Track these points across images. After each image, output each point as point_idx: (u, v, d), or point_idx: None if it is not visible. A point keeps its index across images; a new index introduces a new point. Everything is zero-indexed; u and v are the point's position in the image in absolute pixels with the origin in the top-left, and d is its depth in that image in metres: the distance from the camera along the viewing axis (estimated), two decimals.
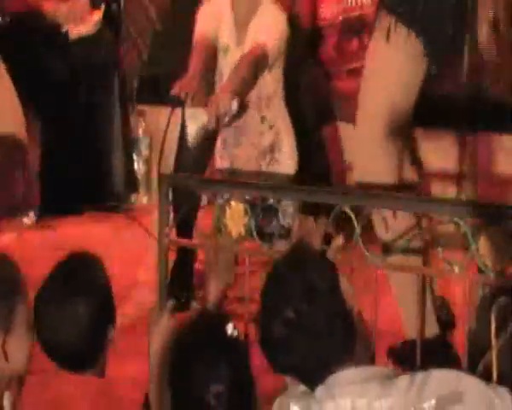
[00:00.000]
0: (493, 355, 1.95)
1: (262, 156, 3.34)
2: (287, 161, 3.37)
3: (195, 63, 3.32)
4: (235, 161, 3.37)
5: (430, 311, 2.82)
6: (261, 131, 3.33)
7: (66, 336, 2.04)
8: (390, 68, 2.87)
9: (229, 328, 1.83)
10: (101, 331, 2.10)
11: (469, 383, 1.67)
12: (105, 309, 2.13)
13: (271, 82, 3.34)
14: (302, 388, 1.78)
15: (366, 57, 2.99)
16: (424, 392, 1.66)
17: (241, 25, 3.34)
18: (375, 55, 2.94)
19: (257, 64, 3.23)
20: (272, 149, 3.35)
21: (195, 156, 3.60)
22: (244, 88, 3.21)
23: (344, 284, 1.79)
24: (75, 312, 2.05)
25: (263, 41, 3.26)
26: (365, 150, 2.90)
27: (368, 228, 3.03)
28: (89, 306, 2.07)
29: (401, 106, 2.90)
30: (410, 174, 3.03)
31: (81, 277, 2.14)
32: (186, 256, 3.78)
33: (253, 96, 3.31)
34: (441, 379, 1.68)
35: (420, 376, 1.68)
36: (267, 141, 3.34)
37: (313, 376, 1.73)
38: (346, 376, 1.71)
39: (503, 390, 1.68)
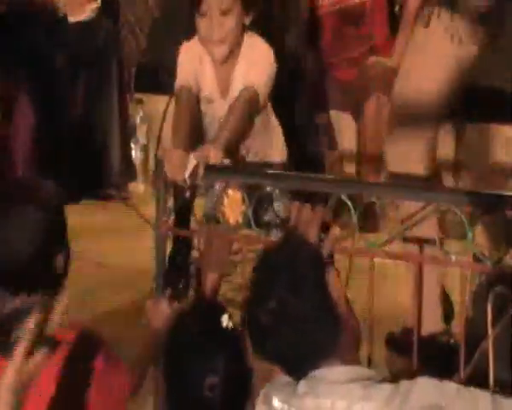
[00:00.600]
0: (490, 344, 1.96)
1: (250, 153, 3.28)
2: (275, 151, 3.31)
3: (181, 133, 2.99)
4: None
5: (437, 304, 2.83)
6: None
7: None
8: (434, 55, 2.86)
9: (225, 319, 1.81)
10: (47, 255, 1.91)
11: (452, 395, 1.65)
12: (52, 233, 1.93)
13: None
14: (287, 378, 1.78)
15: (409, 47, 2.97)
16: (408, 402, 1.64)
17: (224, 74, 3.14)
18: (416, 44, 2.93)
19: (249, 111, 3.05)
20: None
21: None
22: (236, 139, 3.03)
23: (331, 275, 1.79)
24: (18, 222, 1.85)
25: (252, 83, 3.03)
26: (400, 142, 2.90)
27: (369, 216, 3.04)
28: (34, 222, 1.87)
29: (442, 94, 2.89)
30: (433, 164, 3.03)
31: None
32: (182, 244, 3.78)
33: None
34: (424, 390, 1.66)
35: (404, 384, 1.67)
36: (257, 143, 3.27)
37: (296, 367, 1.73)
38: (329, 374, 1.70)
39: (487, 398, 1.66)
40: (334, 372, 1.70)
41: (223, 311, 1.83)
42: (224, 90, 3.16)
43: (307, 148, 3.65)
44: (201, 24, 3.12)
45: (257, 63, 3.09)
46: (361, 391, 1.67)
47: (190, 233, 3.34)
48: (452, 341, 2.71)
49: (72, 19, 4.92)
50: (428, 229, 2.75)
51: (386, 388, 1.67)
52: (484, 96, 4.47)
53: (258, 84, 3.05)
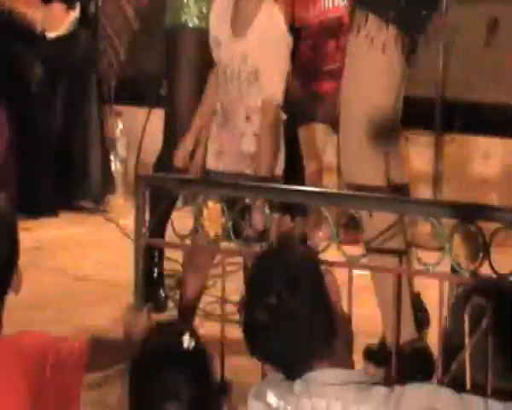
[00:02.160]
0: (467, 355, 1.97)
1: (244, 162, 3.29)
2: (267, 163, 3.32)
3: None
4: (223, 143, 3.32)
5: (408, 311, 2.83)
6: (243, 132, 3.29)
7: None
8: (366, 64, 2.88)
9: (185, 340, 1.78)
10: None
11: (445, 401, 1.66)
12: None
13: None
14: (281, 376, 1.77)
15: (346, 59, 2.99)
16: (402, 404, 1.65)
17: (239, 27, 3.25)
18: (352, 55, 2.95)
19: (276, 125, 3.24)
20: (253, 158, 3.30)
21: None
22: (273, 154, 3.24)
23: (329, 277, 1.79)
24: None
25: (272, 96, 3.19)
26: (352, 153, 2.91)
27: (350, 227, 3.04)
28: None
29: (383, 103, 2.90)
30: (398, 176, 3.04)
31: None
32: (154, 258, 3.78)
33: (240, 106, 3.26)
34: (418, 394, 1.67)
35: (398, 389, 1.68)
36: (246, 147, 3.29)
37: (291, 366, 1.73)
38: (323, 376, 1.71)
39: (479, 403, 1.67)
40: (327, 374, 1.71)
41: (183, 332, 1.78)
42: (236, 34, 3.23)
43: (290, 160, 3.65)
44: None
45: (270, 55, 3.19)
46: (355, 394, 1.68)
47: (171, 246, 3.34)
48: (426, 349, 2.71)
49: (50, 35, 4.92)
50: (405, 241, 2.77)
51: (380, 390, 1.68)
52: (463, 109, 4.50)
53: (278, 94, 3.20)
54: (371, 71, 2.88)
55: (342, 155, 2.99)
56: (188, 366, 1.76)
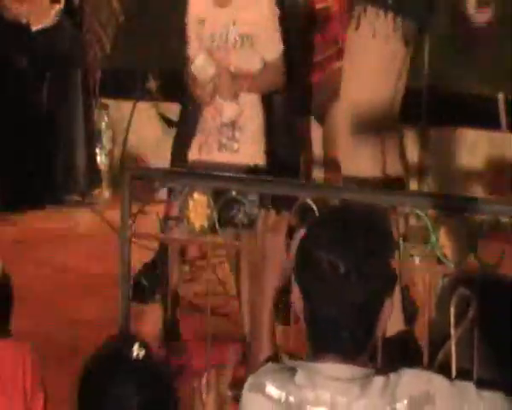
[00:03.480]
0: (452, 345, 1.97)
1: (223, 129, 3.29)
2: (247, 147, 3.31)
3: None
4: (206, 127, 3.32)
5: (397, 304, 2.84)
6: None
7: None
8: (366, 56, 2.87)
9: (135, 350, 1.72)
10: None
11: (440, 384, 1.68)
12: None
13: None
14: (277, 367, 1.75)
15: (346, 52, 2.99)
16: (397, 392, 1.66)
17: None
18: (353, 48, 2.94)
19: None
20: (233, 124, 3.30)
21: None
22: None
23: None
24: None
25: (272, 60, 3.26)
26: (349, 145, 2.91)
27: None
28: None
29: (385, 94, 2.89)
30: (395, 168, 3.04)
31: None
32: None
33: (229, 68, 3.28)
34: (413, 380, 1.68)
35: (393, 376, 1.68)
36: (229, 113, 3.29)
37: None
38: (332, 370, 1.68)
39: (472, 389, 1.68)
40: (335, 369, 1.68)
41: (133, 340, 1.74)
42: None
43: (282, 152, 3.64)
44: None
45: (263, 17, 3.22)
46: (359, 390, 1.67)
47: (158, 238, 3.33)
48: (413, 341, 2.72)
49: (35, 27, 4.89)
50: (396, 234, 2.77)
51: (379, 382, 1.68)
52: (448, 101, 4.50)
53: (278, 55, 3.25)
54: (375, 62, 2.87)
55: (341, 146, 2.98)
56: (137, 376, 1.71)
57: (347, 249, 1.67)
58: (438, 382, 1.69)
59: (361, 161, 2.88)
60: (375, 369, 1.71)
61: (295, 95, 4.08)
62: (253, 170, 3.26)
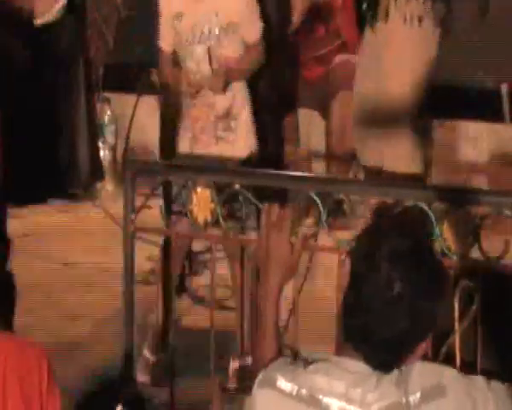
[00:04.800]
0: (456, 338, 1.97)
1: (219, 120, 3.31)
2: (243, 135, 3.33)
3: None
4: (195, 125, 3.33)
5: None
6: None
7: None
8: (404, 40, 2.84)
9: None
10: None
11: (451, 377, 1.68)
12: None
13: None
14: (287, 360, 1.74)
15: (364, 45, 2.95)
16: (409, 385, 1.66)
17: None
18: (386, 33, 2.91)
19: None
20: (228, 113, 3.32)
21: None
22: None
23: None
24: None
25: (255, 41, 3.29)
26: (370, 139, 2.89)
27: (340, 213, 3.03)
28: None
29: (419, 81, 2.86)
30: (418, 163, 3.02)
31: None
32: None
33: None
34: (424, 372, 1.68)
35: (405, 368, 1.67)
36: (223, 103, 3.31)
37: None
38: (350, 365, 1.67)
39: (481, 381, 1.68)
40: (353, 365, 1.67)
41: (117, 401, 1.71)
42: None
43: (270, 144, 3.63)
44: None
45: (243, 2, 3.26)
46: (375, 382, 1.66)
47: (158, 231, 3.32)
48: None
49: (38, 21, 4.89)
50: None
51: (393, 375, 1.67)
52: (451, 94, 4.49)
53: (258, 36, 3.28)
54: (410, 46, 2.84)
55: (360, 138, 2.95)
56: None
57: (410, 273, 1.64)
58: (449, 374, 1.69)
59: (390, 153, 2.85)
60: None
61: (288, 89, 4.08)
62: (249, 160, 3.28)
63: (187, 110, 3.37)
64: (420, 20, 2.81)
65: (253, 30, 3.30)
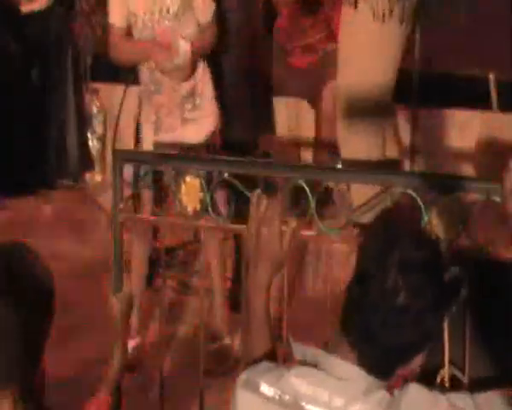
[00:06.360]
0: (445, 325, 1.98)
1: (185, 101, 3.34)
2: (209, 112, 3.37)
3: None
4: (160, 110, 3.37)
5: None
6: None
7: None
8: (366, 36, 2.86)
9: None
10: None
11: (445, 405, 1.63)
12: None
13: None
14: (270, 364, 1.72)
15: (341, 32, 2.98)
16: (400, 408, 1.62)
17: None
18: (349, 27, 2.94)
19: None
20: (193, 92, 3.35)
21: None
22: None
23: None
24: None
25: (208, 22, 3.33)
26: (347, 127, 2.91)
27: (328, 202, 3.04)
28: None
29: (382, 76, 2.89)
30: (392, 150, 3.04)
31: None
32: None
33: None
34: (417, 399, 1.63)
35: (398, 392, 1.64)
36: (187, 84, 3.35)
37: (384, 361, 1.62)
38: (335, 367, 1.65)
39: (469, 401, 1.64)
40: (343, 367, 1.64)
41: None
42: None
43: (239, 130, 3.64)
44: None
45: None
46: (359, 394, 1.63)
47: (150, 222, 3.33)
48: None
49: (25, 9, 4.86)
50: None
51: (383, 393, 1.64)
52: (438, 82, 4.50)
53: (212, 18, 3.33)
54: (371, 42, 2.86)
55: (340, 129, 2.98)
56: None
57: (418, 287, 1.63)
58: (442, 401, 1.64)
59: (359, 143, 2.88)
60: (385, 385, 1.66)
61: (275, 78, 4.08)
62: (213, 145, 3.32)
63: (149, 96, 3.39)
64: (384, 16, 2.83)
65: (206, 11, 3.35)
